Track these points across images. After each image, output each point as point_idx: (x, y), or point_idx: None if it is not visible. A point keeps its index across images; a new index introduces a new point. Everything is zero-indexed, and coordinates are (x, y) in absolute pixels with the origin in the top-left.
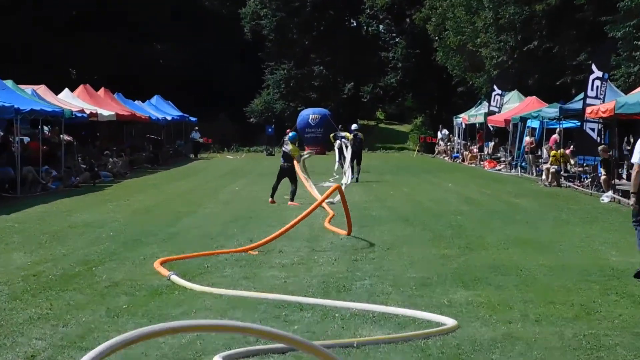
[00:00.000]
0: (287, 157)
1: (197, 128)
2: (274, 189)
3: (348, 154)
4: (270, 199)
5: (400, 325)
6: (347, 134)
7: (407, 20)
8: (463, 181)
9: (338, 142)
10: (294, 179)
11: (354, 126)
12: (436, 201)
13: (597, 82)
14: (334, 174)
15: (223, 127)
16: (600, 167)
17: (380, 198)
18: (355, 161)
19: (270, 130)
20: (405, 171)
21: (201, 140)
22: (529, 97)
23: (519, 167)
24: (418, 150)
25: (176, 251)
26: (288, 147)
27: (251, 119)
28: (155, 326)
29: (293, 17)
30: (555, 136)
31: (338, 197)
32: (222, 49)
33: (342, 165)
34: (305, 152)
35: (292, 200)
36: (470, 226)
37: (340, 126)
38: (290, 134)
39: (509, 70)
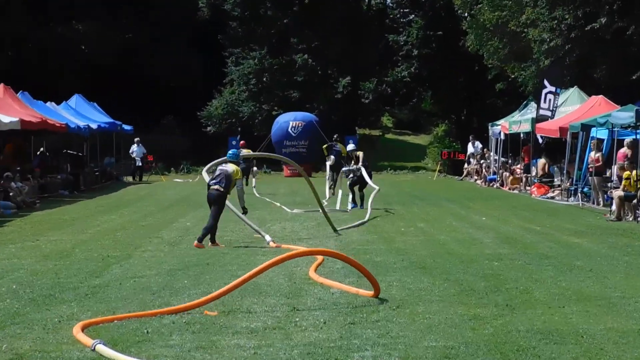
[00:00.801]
0: (226, 181)
1: (138, 139)
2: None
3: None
4: (210, 243)
5: None
6: (358, 155)
7: None
8: (502, 214)
9: (332, 157)
10: (217, 211)
11: (350, 146)
12: (464, 241)
13: None
14: (325, 201)
15: (169, 139)
16: None
17: (387, 237)
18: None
19: (234, 143)
20: (421, 200)
21: (142, 156)
22: (593, 97)
23: (579, 194)
24: (440, 171)
25: (104, 311)
26: (229, 167)
27: (208, 128)
28: None
29: None
30: (625, 150)
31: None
32: (167, 30)
33: (333, 187)
34: (252, 175)
35: (213, 241)
36: (511, 276)
37: (336, 136)
38: (231, 152)
39: (565, 60)
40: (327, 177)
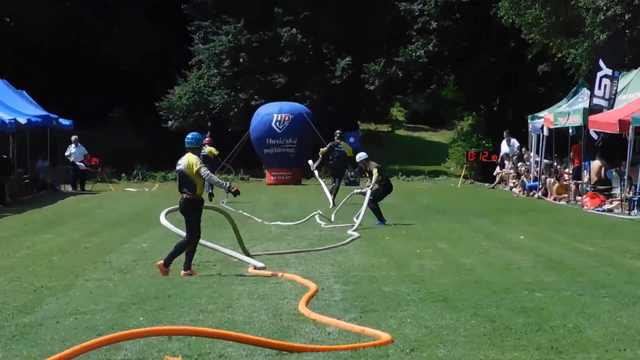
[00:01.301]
0: (186, 182)
1: (76, 138)
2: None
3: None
4: (183, 271)
5: None
6: (372, 172)
7: None
8: (545, 231)
9: (314, 163)
10: (190, 224)
11: (361, 155)
12: (497, 266)
13: None
14: (330, 220)
15: (119, 137)
16: None
17: (399, 260)
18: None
19: (203, 140)
20: (441, 213)
21: (82, 159)
22: None
23: None
24: (465, 177)
25: (36, 357)
26: (182, 162)
27: (169, 123)
28: None
29: None
30: None
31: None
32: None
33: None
34: (225, 183)
35: (186, 268)
36: (557, 310)
37: (338, 132)
38: (189, 136)
39: (625, 34)
40: (324, 188)
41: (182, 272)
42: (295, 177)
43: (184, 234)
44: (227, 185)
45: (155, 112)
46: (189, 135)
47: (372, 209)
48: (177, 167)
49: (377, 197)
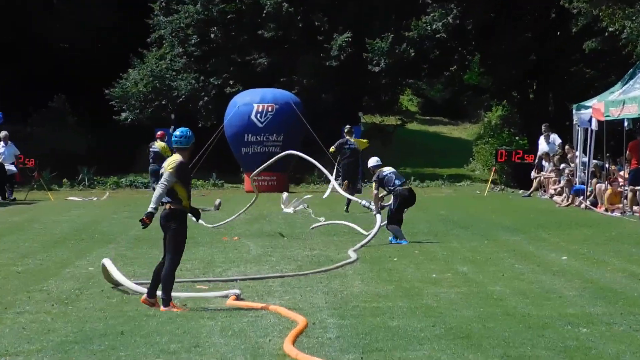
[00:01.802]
0: (170, 194)
1: (5, 135)
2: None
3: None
4: (156, 302)
5: None
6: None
7: None
8: (594, 250)
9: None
10: (177, 241)
11: (373, 160)
12: (533, 295)
13: None
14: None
15: (59, 133)
16: None
17: (409, 288)
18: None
19: (166, 139)
20: (463, 228)
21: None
22: None
23: None
24: (495, 182)
25: None
26: (165, 164)
27: (122, 115)
28: None
29: None
30: None
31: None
32: None
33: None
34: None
35: (166, 305)
36: (608, 350)
37: (348, 127)
38: (178, 133)
39: None
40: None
41: (162, 307)
42: (281, 183)
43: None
44: (149, 211)
45: (105, 102)
46: (177, 132)
47: (393, 231)
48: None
49: (394, 216)
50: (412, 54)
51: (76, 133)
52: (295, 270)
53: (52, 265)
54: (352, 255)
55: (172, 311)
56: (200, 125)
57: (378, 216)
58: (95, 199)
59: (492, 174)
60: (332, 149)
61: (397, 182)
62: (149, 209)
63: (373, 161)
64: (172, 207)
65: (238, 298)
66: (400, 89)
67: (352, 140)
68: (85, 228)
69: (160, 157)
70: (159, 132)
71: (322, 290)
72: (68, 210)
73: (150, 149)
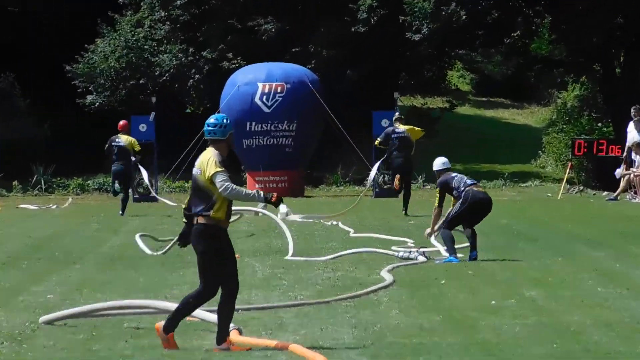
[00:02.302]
0: (200, 196)
1: None
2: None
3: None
4: (217, 347)
5: None
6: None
7: None
8: None
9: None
10: (211, 268)
11: (436, 162)
12: (621, 327)
13: None
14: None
15: (6, 123)
16: None
17: (462, 318)
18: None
19: (143, 128)
20: (531, 242)
21: None
22: None
23: None
24: (571, 182)
25: None
26: (198, 162)
27: (88, 99)
28: None
29: None
30: None
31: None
32: None
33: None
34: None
35: (220, 341)
36: None
37: (397, 114)
38: (211, 120)
39: None
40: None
41: (215, 347)
42: (294, 185)
43: None
44: (263, 196)
45: (66, 81)
46: (211, 119)
47: (444, 238)
48: (193, 171)
49: (453, 221)
50: (464, 17)
51: (29, 122)
52: (313, 297)
53: (1, 292)
54: (387, 277)
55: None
56: (189, 110)
57: (421, 257)
58: (54, 206)
59: (568, 171)
60: (377, 141)
61: (468, 181)
62: (263, 195)
63: (439, 163)
64: (205, 221)
65: (240, 333)
66: (448, 63)
67: (401, 127)
68: (42, 244)
69: (126, 154)
70: (121, 123)
71: (348, 323)
72: (20, 222)
73: (114, 144)
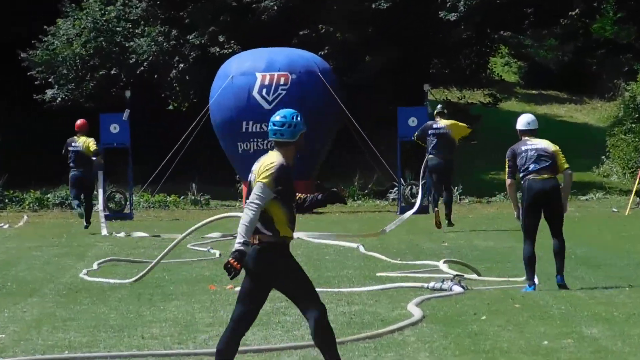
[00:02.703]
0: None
1: None
2: None
3: None
4: None
5: None
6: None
7: None
8: None
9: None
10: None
11: (523, 120)
12: None
13: None
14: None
15: None
16: None
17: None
18: None
19: (115, 129)
20: (593, 268)
21: None
22: None
23: None
24: None
25: None
26: (254, 167)
27: (48, 93)
28: None
29: None
30: None
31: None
32: None
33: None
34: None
35: None
36: None
37: (440, 106)
38: (277, 118)
39: None
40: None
41: None
42: (305, 192)
43: None
44: (235, 249)
45: (21, 72)
46: (277, 117)
47: (523, 258)
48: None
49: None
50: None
51: None
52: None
53: None
54: (415, 311)
55: None
56: (171, 107)
57: (456, 287)
58: (6, 226)
59: (638, 180)
60: (416, 135)
61: (532, 166)
62: (236, 245)
63: (523, 122)
64: (264, 240)
65: None
66: (490, 48)
67: (441, 122)
68: None
69: (83, 159)
70: (78, 122)
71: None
72: None
73: (70, 148)
